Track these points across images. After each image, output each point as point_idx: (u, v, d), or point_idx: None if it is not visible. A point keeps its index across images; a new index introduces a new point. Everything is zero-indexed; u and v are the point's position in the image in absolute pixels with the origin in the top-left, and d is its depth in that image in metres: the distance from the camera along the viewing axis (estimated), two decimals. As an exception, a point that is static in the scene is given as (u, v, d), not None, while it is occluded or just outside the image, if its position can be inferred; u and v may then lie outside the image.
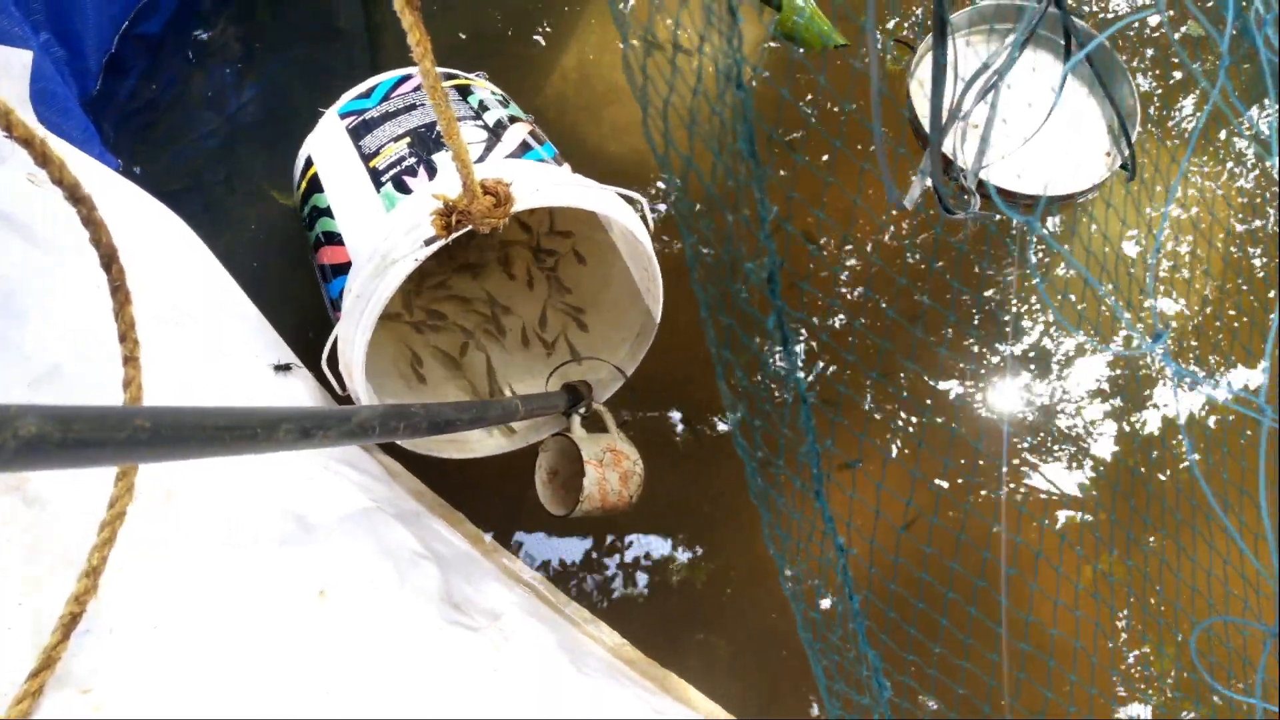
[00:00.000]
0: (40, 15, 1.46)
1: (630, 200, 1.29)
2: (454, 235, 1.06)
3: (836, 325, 1.59)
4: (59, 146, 1.16)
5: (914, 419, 1.55)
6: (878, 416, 1.53)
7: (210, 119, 1.77)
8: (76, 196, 0.82)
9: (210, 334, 1.21)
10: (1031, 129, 1.50)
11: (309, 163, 1.43)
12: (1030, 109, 1.67)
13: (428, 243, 1.09)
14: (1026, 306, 1.72)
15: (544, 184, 1.15)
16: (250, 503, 1.01)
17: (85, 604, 0.89)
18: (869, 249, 1.66)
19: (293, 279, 1.62)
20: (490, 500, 1.56)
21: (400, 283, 1.11)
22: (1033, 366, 1.65)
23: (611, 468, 1.36)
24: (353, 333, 1.16)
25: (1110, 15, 1.98)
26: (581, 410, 1.46)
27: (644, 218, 1.30)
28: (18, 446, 0.43)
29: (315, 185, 1.39)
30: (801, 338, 1.50)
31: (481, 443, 1.53)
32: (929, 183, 0.88)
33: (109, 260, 0.85)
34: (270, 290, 1.48)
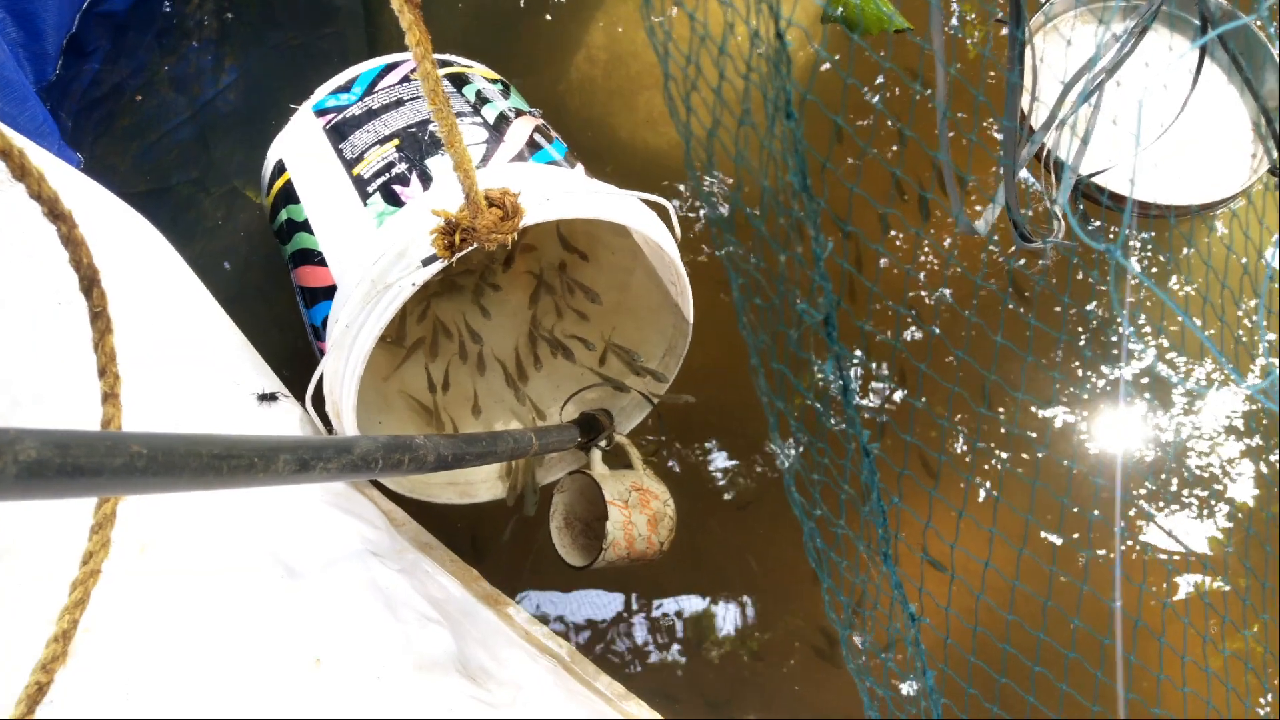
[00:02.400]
0: (-6, -8, 1.56)
1: (655, 206, 1.34)
2: (458, 255, 1.12)
3: (899, 361, 1.63)
4: (37, 156, 1.24)
5: (995, 463, 1.59)
6: (965, 458, 1.57)
7: (181, 109, 1.86)
8: (56, 213, 0.89)
9: (186, 359, 1.28)
10: (1155, 129, 1.53)
11: (280, 168, 1.49)
12: (1150, 102, 1.70)
13: (425, 263, 1.15)
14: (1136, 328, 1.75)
15: (555, 192, 1.21)
16: (234, 554, 1.08)
17: (54, 673, 0.95)
18: (928, 256, 1.71)
19: (275, 295, 1.70)
20: (496, 551, 1.61)
21: (396, 311, 1.17)
22: (1148, 395, 1.69)
23: (638, 509, 1.41)
24: (341, 368, 1.22)
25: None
26: (602, 443, 1.51)
27: (671, 226, 1.36)
28: (18, 471, 0.49)
29: (289, 195, 1.45)
30: (859, 373, 1.55)
31: (485, 485, 1.59)
32: (1005, 205, 0.93)
33: (89, 284, 0.92)
34: (249, 308, 1.55)
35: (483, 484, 1.58)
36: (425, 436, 1.03)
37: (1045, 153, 1.27)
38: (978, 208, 1.72)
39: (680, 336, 1.52)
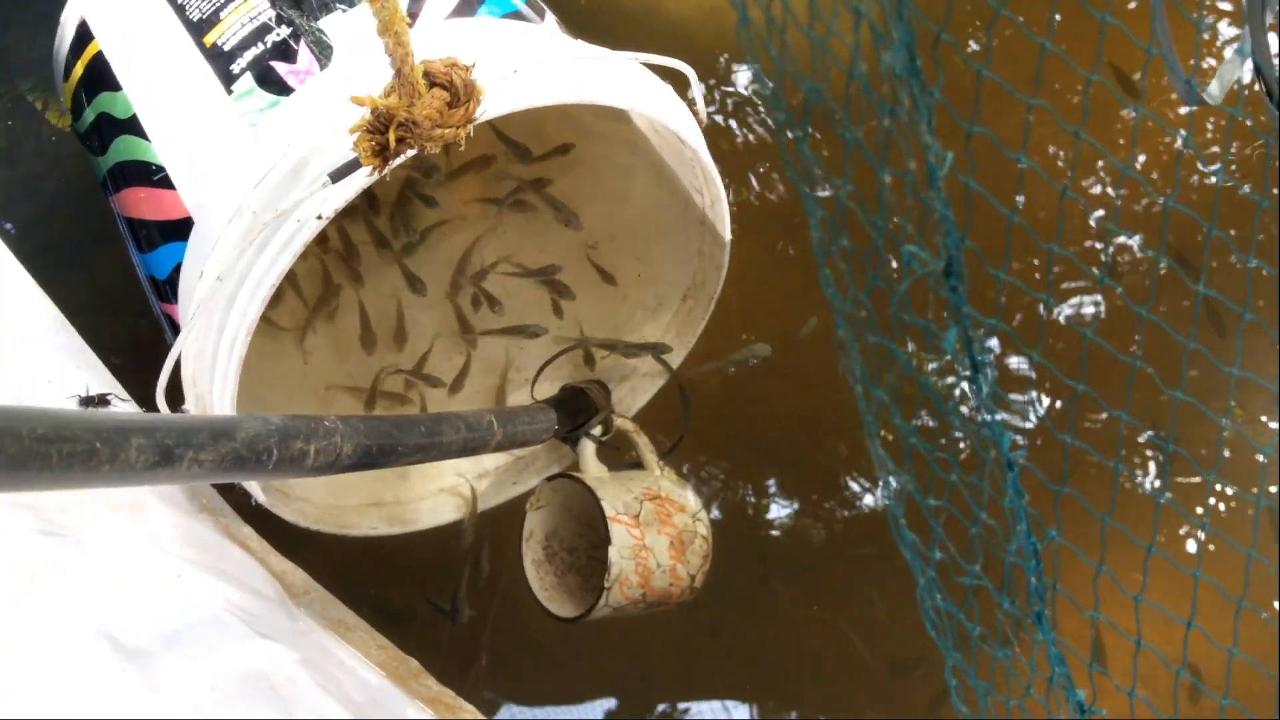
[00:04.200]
0: None
1: (669, 74, 1.32)
2: (393, 165, 1.09)
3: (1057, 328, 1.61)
4: None
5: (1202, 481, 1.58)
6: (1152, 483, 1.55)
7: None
8: None
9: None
10: None
11: (84, 35, 1.44)
12: None
13: (336, 177, 1.12)
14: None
15: (524, 61, 1.19)
16: (45, 629, 1.06)
17: None
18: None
19: (101, 250, 1.68)
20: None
21: (296, 255, 1.15)
22: None
23: (655, 527, 1.40)
24: (211, 345, 1.20)
25: None
26: (596, 431, 1.51)
27: (694, 107, 1.33)
28: None
29: (101, 76, 1.41)
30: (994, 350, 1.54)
31: (429, 504, 1.60)
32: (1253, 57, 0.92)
33: None
34: (63, 269, 1.54)
35: (425, 501, 1.59)
36: (339, 417, 1.02)
37: None
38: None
39: (711, 267, 1.51)
